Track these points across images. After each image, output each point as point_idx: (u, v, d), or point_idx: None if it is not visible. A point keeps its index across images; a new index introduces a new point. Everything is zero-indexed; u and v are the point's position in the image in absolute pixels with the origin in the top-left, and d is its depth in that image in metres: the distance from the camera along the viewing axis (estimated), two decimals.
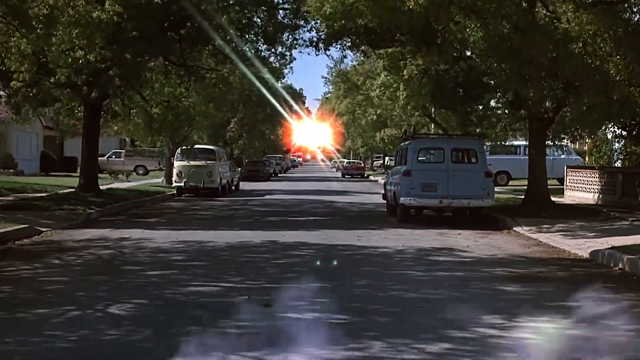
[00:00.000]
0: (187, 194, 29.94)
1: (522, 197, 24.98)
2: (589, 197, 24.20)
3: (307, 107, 72.41)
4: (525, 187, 22.42)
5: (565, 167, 27.49)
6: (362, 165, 67.07)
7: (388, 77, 27.72)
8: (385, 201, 21.55)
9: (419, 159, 18.28)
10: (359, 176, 60.94)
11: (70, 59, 15.24)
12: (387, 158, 68.44)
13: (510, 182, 37.47)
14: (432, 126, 32.19)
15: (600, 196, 23.38)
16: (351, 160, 74.40)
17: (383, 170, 66.77)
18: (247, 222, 18.27)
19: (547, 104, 18.10)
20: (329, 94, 58.38)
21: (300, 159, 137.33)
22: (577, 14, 15.76)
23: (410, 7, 13.41)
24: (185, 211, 22.03)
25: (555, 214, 18.78)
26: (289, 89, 54.25)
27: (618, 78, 15.82)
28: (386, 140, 48.26)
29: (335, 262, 11.53)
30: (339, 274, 10.37)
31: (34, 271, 10.45)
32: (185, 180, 29.40)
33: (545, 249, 13.77)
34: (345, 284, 9.43)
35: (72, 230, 15.78)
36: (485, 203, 17.99)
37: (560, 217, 18.04)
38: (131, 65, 17.48)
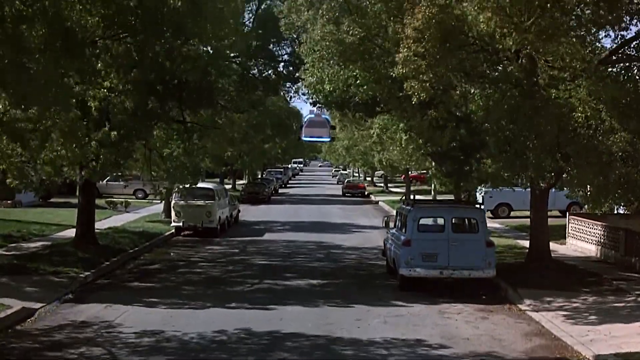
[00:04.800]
0: (185, 233, 29.74)
1: (523, 240, 24.83)
2: (591, 249, 23.90)
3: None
4: (527, 216, 22.25)
5: (567, 216, 27.10)
6: (364, 185, 66.87)
7: (388, 119, 27.49)
8: (385, 257, 21.23)
9: (420, 227, 17.95)
10: (360, 195, 60.91)
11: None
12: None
13: (512, 214, 37.24)
14: (433, 164, 31.90)
15: (603, 250, 23.07)
16: (353, 179, 74.29)
17: (385, 187, 66.59)
18: (242, 293, 18.00)
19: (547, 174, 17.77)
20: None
21: (301, 165, 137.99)
22: (581, 81, 15.37)
23: (414, 101, 13.14)
24: (179, 267, 21.76)
25: (557, 281, 18.43)
26: (286, 109, 54.21)
27: (619, 155, 15.50)
28: (384, 163, 48.08)
29: None
30: None
31: None
32: (183, 220, 29.18)
33: (546, 342, 13.50)
34: None
35: (66, 308, 15.66)
36: (487, 274, 17.67)
37: (562, 288, 17.67)
38: (125, 148, 17.38)
